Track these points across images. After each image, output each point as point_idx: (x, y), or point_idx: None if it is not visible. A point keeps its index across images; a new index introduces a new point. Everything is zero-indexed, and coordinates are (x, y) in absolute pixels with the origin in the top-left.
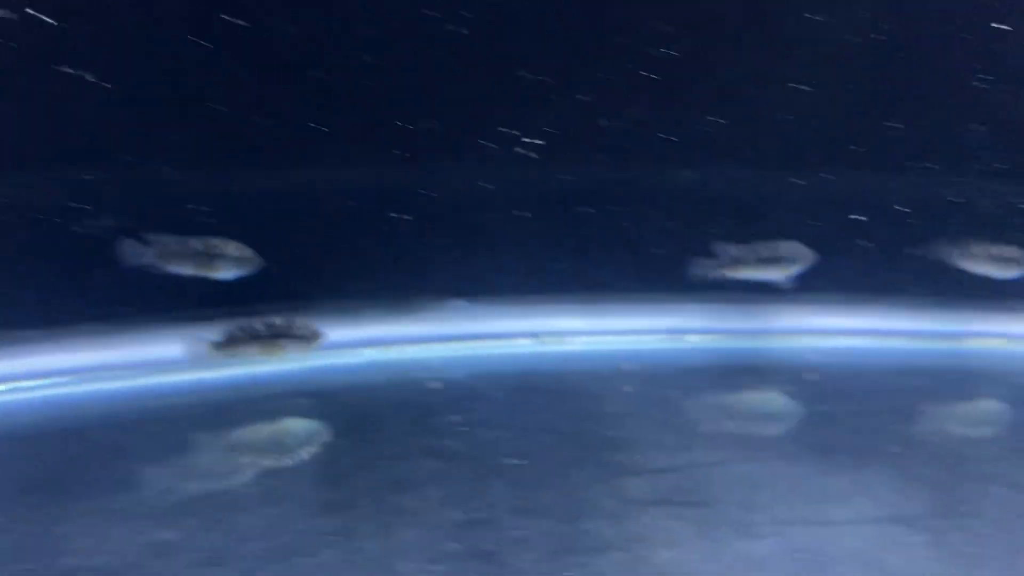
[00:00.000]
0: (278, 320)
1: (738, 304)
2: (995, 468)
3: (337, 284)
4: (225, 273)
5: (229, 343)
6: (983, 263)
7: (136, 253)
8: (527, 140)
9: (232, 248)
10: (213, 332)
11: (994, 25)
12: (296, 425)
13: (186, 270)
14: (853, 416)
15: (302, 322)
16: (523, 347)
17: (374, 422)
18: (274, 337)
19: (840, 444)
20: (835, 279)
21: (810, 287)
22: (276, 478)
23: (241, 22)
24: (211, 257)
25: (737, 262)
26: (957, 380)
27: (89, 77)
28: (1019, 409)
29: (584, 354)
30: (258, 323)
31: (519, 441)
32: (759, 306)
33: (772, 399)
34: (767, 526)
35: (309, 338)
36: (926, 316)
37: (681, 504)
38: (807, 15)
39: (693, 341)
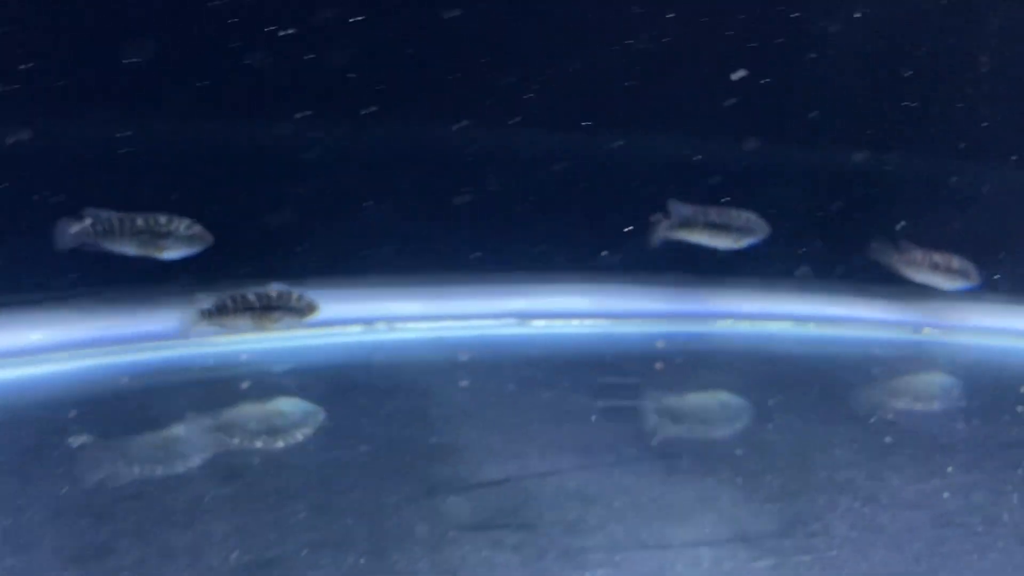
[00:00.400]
0: (272, 291)
1: (590, 285)
2: (847, 475)
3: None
4: (173, 252)
5: (219, 314)
6: (925, 272)
7: (71, 233)
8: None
9: (181, 226)
10: (202, 302)
11: None
12: (58, 441)
13: (130, 249)
14: (700, 413)
15: (297, 294)
16: (351, 335)
17: (155, 436)
18: (267, 309)
19: (685, 447)
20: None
21: (664, 269)
22: (19, 513)
23: None
24: (157, 236)
25: (688, 224)
26: (814, 368)
27: None
28: (875, 406)
29: (420, 343)
30: (251, 294)
31: (328, 454)
32: (612, 288)
33: (617, 393)
34: (598, 552)
35: (304, 310)
36: (787, 298)
37: (504, 527)
38: None
39: (540, 326)
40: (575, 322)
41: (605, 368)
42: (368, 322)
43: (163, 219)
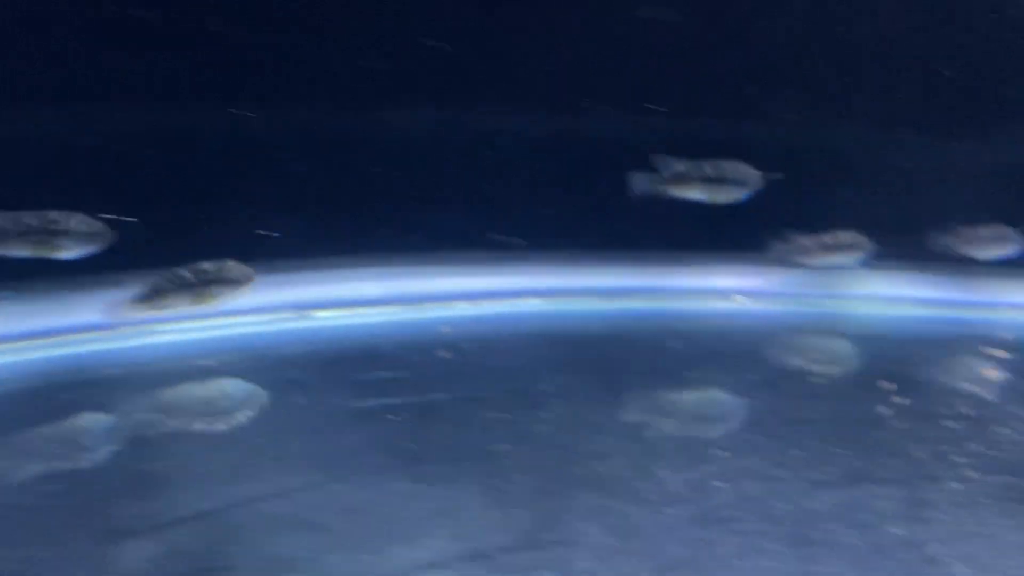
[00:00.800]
0: (207, 265)
1: (378, 268)
2: (611, 468)
3: None
4: (70, 252)
5: (155, 296)
6: (819, 255)
7: None
8: None
9: (77, 222)
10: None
11: None
12: None
13: (22, 251)
14: (466, 406)
15: (231, 263)
16: (89, 343)
17: None
18: (205, 284)
19: (440, 448)
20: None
21: (462, 246)
22: None
23: None
24: (51, 234)
25: (680, 179)
26: (603, 347)
27: None
28: (660, 385)
29: (174, 346)
30: (185, 271)
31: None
32: (403, 270)
33: (381, 391)
34: None
35: (241, 281)
36: (584, 270)
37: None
38: None
39: (324, 318)
40: (363, 310)
41: (378, 362)
42: (112, 327)
43: (56, 215)
